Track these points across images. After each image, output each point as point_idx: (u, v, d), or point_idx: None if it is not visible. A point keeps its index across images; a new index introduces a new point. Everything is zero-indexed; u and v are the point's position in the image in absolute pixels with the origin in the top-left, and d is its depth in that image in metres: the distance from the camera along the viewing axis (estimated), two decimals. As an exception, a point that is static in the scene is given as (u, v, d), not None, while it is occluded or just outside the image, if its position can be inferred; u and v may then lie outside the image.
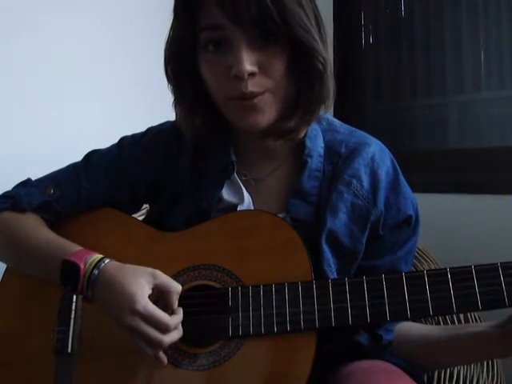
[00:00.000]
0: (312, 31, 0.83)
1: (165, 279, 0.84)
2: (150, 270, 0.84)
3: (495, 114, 1.73)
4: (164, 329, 0.79)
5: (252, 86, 0.82)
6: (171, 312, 0.83)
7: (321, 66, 0.85)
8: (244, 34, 0.81)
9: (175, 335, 0.81)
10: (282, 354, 0.82)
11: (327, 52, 0.87)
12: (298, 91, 0.87)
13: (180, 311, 0.83)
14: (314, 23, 0.85)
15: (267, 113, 0.85)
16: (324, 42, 0.87)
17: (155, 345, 0.80)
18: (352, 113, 1.86)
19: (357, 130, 1.00)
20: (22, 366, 0.91)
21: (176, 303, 0.84)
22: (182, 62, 0.89)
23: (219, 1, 0.80)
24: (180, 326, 0.83)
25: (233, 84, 0.83)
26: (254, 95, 0.83)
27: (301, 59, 0.84)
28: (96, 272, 0.83)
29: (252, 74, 0.82)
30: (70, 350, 0.80)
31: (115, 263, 0.86)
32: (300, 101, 0.87)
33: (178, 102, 0.94)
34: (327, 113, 0.97)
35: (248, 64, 0.81)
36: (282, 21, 0.80)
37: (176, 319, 0.82)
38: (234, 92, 0.83)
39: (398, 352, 0.93)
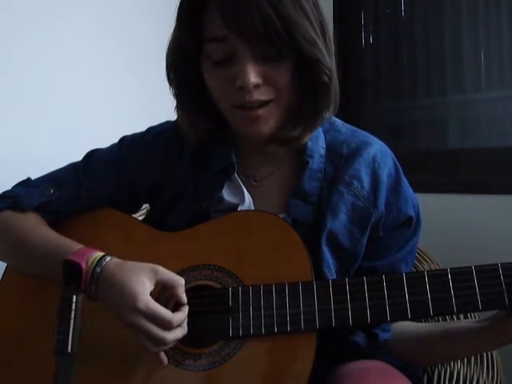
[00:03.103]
0: (318, 42, 0.83)
1: (166, 274, 0.83)
2: (151, 265, 0.84)
3: (495, 114, 1.72)
4: (167, 326, 0.79)
5: (257, 95, 0.82)
6: (173, 307, 0.82)
7: (326, 78, 0.85)
8: (248, 46, 0.80)
9: (179, 332, 0.81)
10: (282, 354, 0.82)
11: (333, 61, 0.87)
12: (301, 100, 0.86)
13: (185, 309, 0.83)
14: (319, 33, 0.84)
15: (270, 122, 0.86)
16: (330, 51, 0.86)
17: (158, 342, 0.79)
18: (352, 113, 1.86)
19: (359, 130, 1.00)
20: (22, 366, 0.91)
21: (184, 296, 0.83)
22: (184, 69, 0.89)
23: (223, 13, 0.79)
24: (185, 324, 0.82)
25: (237, 94, 0.83)
26: (258, 104, 0.83)
27: (306, 71, 0.84)
28: (98, 270, 0.83)
29: (257, 86, 0.82)
30: (70, 350, 0.80)
31: (116, 260, 0.85)
32: (304, 110, 0.87)
33: (180, 107, 0.94)
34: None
35: (253, 76, 0.81)
36: (287, 34, 0.79)
37: (179, 316, 0.81)
38: (238, 100, 0.83)
39: (392, 350, 0.93)
